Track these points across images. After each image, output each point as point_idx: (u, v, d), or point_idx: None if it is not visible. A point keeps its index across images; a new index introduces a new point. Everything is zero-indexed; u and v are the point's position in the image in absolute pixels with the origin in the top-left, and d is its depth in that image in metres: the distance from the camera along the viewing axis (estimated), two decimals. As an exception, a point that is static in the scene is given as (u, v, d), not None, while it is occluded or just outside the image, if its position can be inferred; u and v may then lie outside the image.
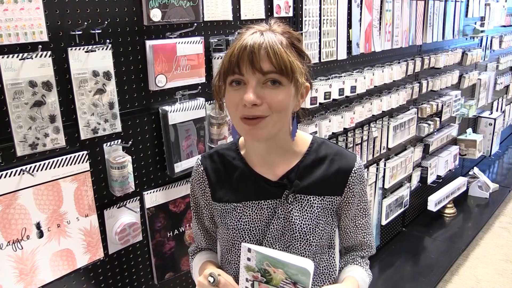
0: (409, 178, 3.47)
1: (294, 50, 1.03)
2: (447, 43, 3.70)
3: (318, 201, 1.12)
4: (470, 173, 4.42)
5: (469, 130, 4.28)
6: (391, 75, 2.86)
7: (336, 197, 1.13)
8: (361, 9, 2.54)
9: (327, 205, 1.12)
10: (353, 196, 1.14)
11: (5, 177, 1.31)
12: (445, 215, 3.95)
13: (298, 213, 1.11)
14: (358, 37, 2.56)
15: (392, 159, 3.21)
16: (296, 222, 1.11)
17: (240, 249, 0.99)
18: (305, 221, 1.11)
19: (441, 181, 3.75)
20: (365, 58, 2.72)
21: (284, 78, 0.99)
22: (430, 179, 3.66)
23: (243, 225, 1.12)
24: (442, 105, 3.59)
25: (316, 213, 1.11)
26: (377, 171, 3.02)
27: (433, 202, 3.66)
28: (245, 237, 1.11)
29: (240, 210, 1.13)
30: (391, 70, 2.84)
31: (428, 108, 3.40)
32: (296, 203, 1.12)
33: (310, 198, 1.12)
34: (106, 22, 1.43)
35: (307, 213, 1.11)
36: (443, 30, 3.45)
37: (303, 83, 1.05)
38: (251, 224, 1.12)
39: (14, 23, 1.25)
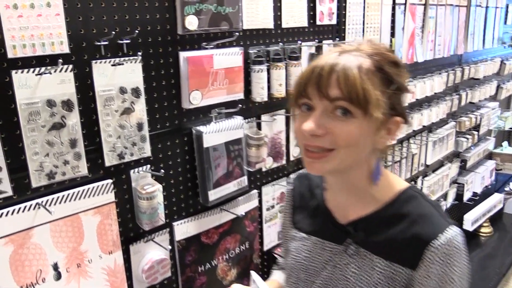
0: (445, 196, 3.22)
1: (381, 76, 0.82)
2: (484, 52, 3.44)
3: (382, 265, 0.88)
4: (506, 189, 4.13)
5: (505, 143, 4.00)
6: (433, 87, 2.61)
7: (407, 269, 0.87)
8: (404, 16, 2.30)
9: (392, 274, 0.88)
10: (428, 277, 0.85)
11: (18, 212, 1.10)
12: (481, 234, 3.66)
13: (355, 270, 0.90)
14: (400, 46, 2.32)
15: (429, 176, 2.95)
16: (350, 280, 0.90)
17: (294, 280, 0.98)
18: (360, 282, 0.89)
19: (477, 198, 3.49)
20: (407, 69, 2.47)
21: (356, 108, 0.80)
22: (466, 196, 3.41)
23: (303, 259, 0.99)
24: (481, 118, 3.33)
25: (375, 279, 0.88)
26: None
27: (470, 221, 3.38)
28: (300, 272, 0.99)
29: (306, 242, 1.00)
30: (432, 81, 2.60)
31: (467, 121, 3.14)
32: (357, 258, 0.91)
33: (374, 258, 0.89)
34: (136, 31, 1.22)
35: (365, 274, 0.89)
36: (484, 38, 3.20)
37: (382, 117, 0.82)
38: (310, 261, 0.98)
39: (30, 32, 1.05)
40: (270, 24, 1.59)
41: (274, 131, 1.71)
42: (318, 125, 0.81)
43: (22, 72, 1.05)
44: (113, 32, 1.18)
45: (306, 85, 0.83)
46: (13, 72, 1.04)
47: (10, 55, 1.03)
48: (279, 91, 1.62)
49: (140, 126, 1.28)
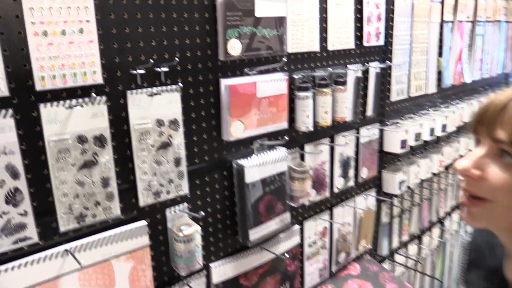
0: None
1: None
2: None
3: None
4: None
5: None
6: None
7: None
8: (452, 34, 2.13)
9: None
10: None
11: (44, 260, 0.98)
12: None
13: None
14: (448, 66, 2.15)
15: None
16: None
17: None
18: None
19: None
20: (454, 90, 2.30)
21: None
22: None
23: None
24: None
25: None
26: (461, 220, 2.57)
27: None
28: None
29: None
30: (480, 103, 2.41)
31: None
32: None
33: None
34: (176, 59, 1.10)
35: None
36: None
37: None
38: None
39: (61, 62, 0.93)
40: (315, 47, 1.45)
41: (317, 162, 1.56)
42: (475, 166, 0.68)
43: (51, 105, 0.94)
44: (151, 60, 1.05)
45: (476, 118, 0.72)
46: (41, 105, 0.93)
47: (38, 87, 0.91)
48: (325, 119, 1.47)
49: (177, 162, 1.15)
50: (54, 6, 0.90)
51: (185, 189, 1.18)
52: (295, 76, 1.40)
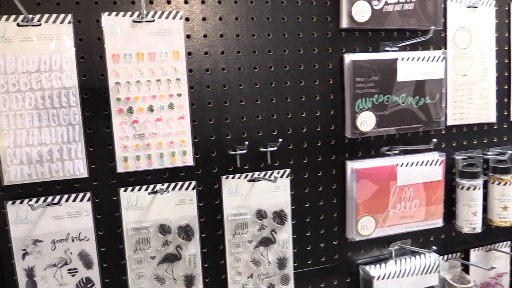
0: None
1: None
2: None
3: None
4: None
5: None
6: None
7: None
8: None
9: None
10: None
11: None
12: None
13: None
14: None
15: None
16: None
17: None
18: None
19: None
20: None
21: None
22: None
23: None
24: None
25: None
26: None
27: None
28: None
29: None
30: None
31: None
32: None
33: None
34: (287, 134, 0.87)
35: None
36: None
37: None
38: None
39: (146, 141, 0.80)
40: (490, 117, 1.04)
41: (490, 274, 1.10)
42: None
43: (132, 190, 0.81)
44: (254, 138, 0.85)
45: None
46: (122, 190, 0.80)
47: (120, 169, 0.79)
48: (504, 218, 1.02)
49: (282, 263, 0.90)
50: (142, 80, 0.79)
51: (290, 298, 0.92)
52: (457, 157, 1.02)
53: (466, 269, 1.08)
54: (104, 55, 0.77)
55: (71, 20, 0.76)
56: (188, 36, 0.82)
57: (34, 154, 0.76)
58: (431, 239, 1.03)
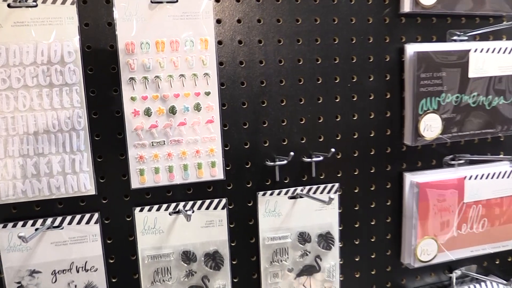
0: None
1: None
2: None
3: None
4: None
5: None
6: None
7: None
8: None
9: None
10: None
11: None
12: None
13: None
14: None
15: None
16: None
17: None
18: None
19: None
20: None
21: None
22: None
23: None
24: None
25: None
26: None
27: None
28: None
29: None
30: None
31: None
32: None
33: None
34: (336, 139, 0.71)
35: None
36: None
37: None
38: None
39: (167, 150, 0.64)
40: None
41: None
42: None
43: (149, 210, 0.65)
44: (297, 146, 0.69)
45: None
46: (137, 209, 0.65)
47: (134, 184, 0.64)
48: None
49: (326, 294, 0.74)
50: (161, 75, 0.63)
51: (335, 336, 0.76)
52: (532, 168, 0.85)
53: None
54: (116, 44, 0.61)
55: (75, 0, 0.60)
56: (218, 21, 0.66)
57: (29, 167, 0.61)
58: (497, 262, 0.87)
